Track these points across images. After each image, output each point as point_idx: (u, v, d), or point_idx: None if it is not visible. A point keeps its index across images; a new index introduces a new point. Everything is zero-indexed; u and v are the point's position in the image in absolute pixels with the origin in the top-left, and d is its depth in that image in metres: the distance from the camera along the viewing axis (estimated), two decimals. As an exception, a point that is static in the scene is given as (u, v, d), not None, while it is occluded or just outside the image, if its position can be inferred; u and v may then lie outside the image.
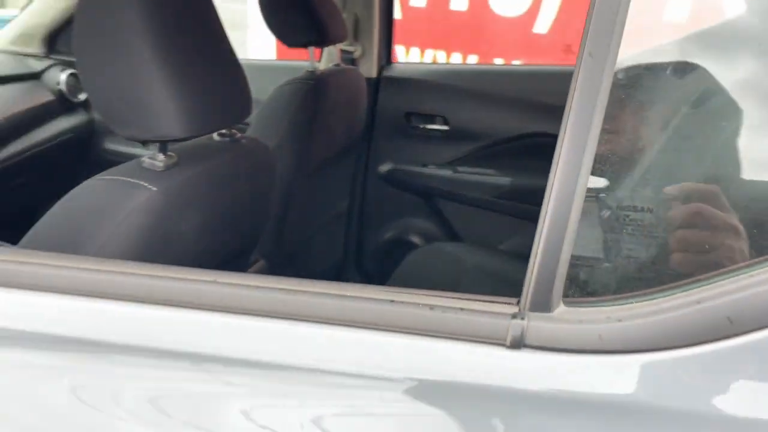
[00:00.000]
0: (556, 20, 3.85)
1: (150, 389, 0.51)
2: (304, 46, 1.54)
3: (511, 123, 1.78)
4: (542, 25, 3.99)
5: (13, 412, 0.53)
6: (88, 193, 0.82)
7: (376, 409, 0.46)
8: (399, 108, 1.89)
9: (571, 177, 0.44)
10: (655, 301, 0.41)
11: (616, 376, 0.40)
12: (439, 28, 4.21)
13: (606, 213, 0.46)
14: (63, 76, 1.91)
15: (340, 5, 1.81)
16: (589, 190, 0.44)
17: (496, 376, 0.43)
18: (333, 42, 1.62)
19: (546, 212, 0.44)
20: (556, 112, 0.49)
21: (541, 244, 0.43)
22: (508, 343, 0.42)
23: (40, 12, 1.99)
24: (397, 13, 3.83)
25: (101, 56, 0.82)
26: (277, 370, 0.48)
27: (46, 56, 1.96)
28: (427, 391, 0.44)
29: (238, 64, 0.94)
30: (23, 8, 2.09)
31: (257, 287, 0.50)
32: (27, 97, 1.87)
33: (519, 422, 0.42)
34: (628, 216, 0.46)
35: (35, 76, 1.92)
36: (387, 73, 1.92)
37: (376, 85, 1.89)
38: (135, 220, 0.79)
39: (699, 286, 0.41)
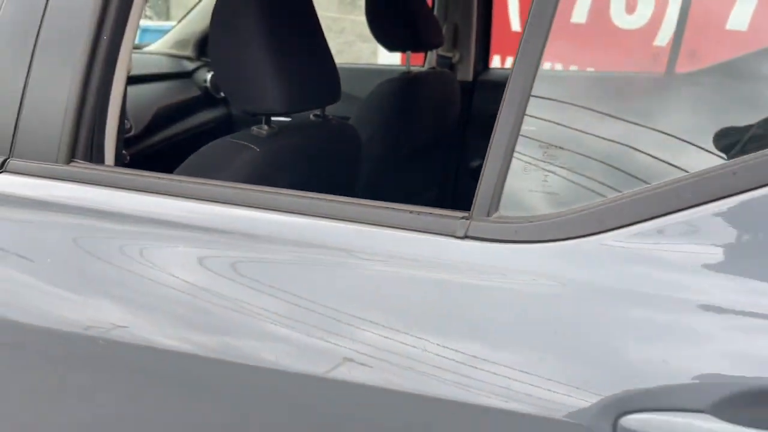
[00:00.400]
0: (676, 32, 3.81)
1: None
2: (402, 50, 1.77)
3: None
4: (663, 37, 3.95)
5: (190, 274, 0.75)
6: (212, 150, 1.11)
7: (371, 272, 0.67)
8: (492, 110, 2.06)
9: (512, 123, 0.64)
10: (555, 212, 0.60)
11: (522, 256, 0.59)
12: (558, 40, 4.26)
13: (532, 151, 0.64)
14: (208, 76, 2.28)
15: (440, 15, 2.03)
16: (523, 131, 0.63)
17: (451, 255, 0.63)
18: (429, 47, 1.83)
19: (489, 150, 0.64)
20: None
21: (486, 172, 0.63)
22: (460, 235, 0.62)
23: (193, 22, 2.38)
24: (517, 26, 3.96)
25: (227, 50, 1.10)
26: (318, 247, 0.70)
27: (197, 58, 2.34)
28: (405, 264, 0.65)
29: (330, 57, 1.19)
30: (180, 20, 2.51)
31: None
32: (180, 92, 2.25)
33: (451, 285, 0.62)
34: (546, 152, 0.64)
35: (187, 75, 2.31)
36: (483, 77, 2.11)
37: (471, 88, 2.08)
38: (241, 171, 1.05)
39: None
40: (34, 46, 0.90)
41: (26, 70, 0.91)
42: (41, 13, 0.90)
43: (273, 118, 1.14)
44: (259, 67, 1.06)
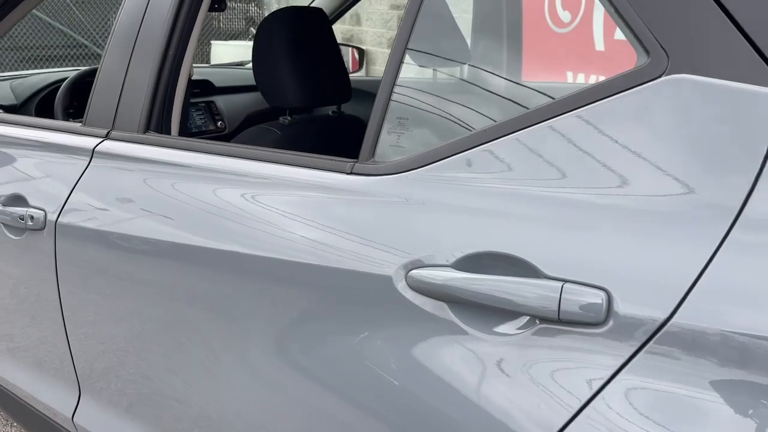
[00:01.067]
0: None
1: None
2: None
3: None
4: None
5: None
6: (249, 132, 1.56)
7: (289, 192, 1.07)
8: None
9: (381, 108, 1.01)
10: (401, 158, 0.96)
11: (381, 183, 0.96)
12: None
13: (392, 122, 1.01)
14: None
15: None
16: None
17: (341, 183, 1.01)
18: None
19: (368, 122, 1.02)
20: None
21: (366, 136, 1.01)
22: (347, 171, 1.00)
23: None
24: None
25: (263, 61, 1.55)
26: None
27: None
28: (312, 188, 1.04)
29: (342, 65, 1.60)
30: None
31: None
32: (258, 102, 2.76)
33: (337, 199, 1.00)
34: (399, 122, 1.01)
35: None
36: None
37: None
38: (266, 147, 1.49)
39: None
40: (132, 50, 1.39)
41: (126, 68, 1.40)
42: (138, 26, 1.38)
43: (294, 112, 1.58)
44: (283, 72, 1.50)
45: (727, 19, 0.73)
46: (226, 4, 1.75)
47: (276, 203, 1.10)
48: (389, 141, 1.02)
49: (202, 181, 1.22)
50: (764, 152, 0.71)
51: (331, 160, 1.05)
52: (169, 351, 1.27)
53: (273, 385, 1.10)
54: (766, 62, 0.72)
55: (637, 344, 0.73)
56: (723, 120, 0.74)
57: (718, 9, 0.74)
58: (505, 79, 1.20)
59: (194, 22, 1.36)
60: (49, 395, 1.60)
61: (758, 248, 0.70)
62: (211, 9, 1.79)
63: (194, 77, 1.87)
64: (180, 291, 1.23)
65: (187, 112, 1.95)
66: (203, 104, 2.33)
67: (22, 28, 6.90)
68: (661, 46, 0.76)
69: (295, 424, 1.11)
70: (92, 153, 1.40)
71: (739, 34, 0.73)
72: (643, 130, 0.79)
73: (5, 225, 1.49)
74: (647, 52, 0.78)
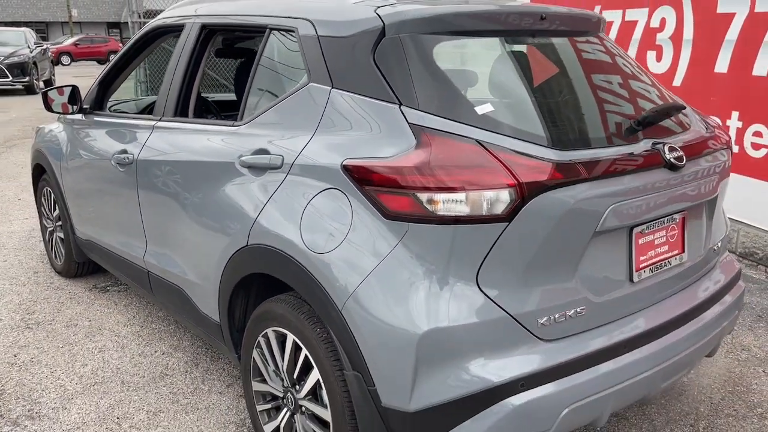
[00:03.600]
0: None
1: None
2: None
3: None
4: None
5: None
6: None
7: (196, 135, 2.53)
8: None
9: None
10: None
11: (238, 132, 2.37)
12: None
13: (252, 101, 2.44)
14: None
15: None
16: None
17: (226, 132, 2.46)
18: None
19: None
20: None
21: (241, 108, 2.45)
22: (230, 125, 2.43)
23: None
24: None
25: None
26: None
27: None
28: (207, 132, 2.49)
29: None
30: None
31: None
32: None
33: (223, 140, 2.43)
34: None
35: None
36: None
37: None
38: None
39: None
40: (173, 74, 2.93)
41: (169, 86, 2.97)
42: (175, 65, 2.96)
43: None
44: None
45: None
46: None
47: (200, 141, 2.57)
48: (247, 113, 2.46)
49: (178, 133, 2.74)
50: (317, 122, 2.06)
51: (219, 121, 2.51)
52: (167, 220, 2.79)
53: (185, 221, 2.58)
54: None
55: (283, 175, 2.12)
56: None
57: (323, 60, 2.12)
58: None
59: (200, 61, 2.85)
60: (128, 247, 3.18)
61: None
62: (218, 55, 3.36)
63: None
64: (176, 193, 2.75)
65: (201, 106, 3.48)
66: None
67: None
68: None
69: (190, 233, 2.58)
70: (152, 128, 2.98)
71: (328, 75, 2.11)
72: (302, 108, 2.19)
73: (118, 163, 3.09)
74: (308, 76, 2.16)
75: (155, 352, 3.24)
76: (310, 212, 1.97)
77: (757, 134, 4.30)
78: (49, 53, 20.06)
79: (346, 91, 2.01)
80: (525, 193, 1.72)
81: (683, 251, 2.18)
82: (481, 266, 1.74)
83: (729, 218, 4.50)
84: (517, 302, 1.77)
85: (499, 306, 1.75)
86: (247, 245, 2.19)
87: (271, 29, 2.39)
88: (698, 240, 2.28)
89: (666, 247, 2.12)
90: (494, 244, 1.73)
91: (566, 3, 6.09)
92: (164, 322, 3.58)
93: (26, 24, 43.02)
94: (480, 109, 1.88)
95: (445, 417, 1.76)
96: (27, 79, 16.62)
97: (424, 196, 1.72)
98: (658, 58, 5.09)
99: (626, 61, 2.48)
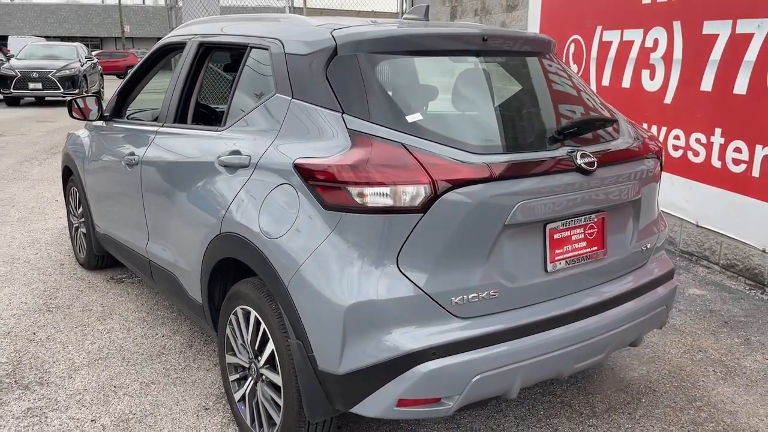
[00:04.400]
0: None
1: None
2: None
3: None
4: None
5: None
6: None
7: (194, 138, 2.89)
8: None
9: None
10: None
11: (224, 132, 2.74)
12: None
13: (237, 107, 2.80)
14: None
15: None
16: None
17: (216, 134, 2.81)
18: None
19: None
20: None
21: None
22: (219, 129, 2.80)
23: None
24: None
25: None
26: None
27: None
28: (197, 136, 2.85)
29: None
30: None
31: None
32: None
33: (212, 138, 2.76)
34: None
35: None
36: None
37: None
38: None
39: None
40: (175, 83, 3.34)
41: (171, 94, 3.34)
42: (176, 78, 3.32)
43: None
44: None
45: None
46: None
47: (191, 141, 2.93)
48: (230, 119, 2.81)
49: (175, 137, 3.10)
50: (279, 127, 2.39)
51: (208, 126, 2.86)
52: (164, 213, 3.16)
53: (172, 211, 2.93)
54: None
55: (250, 172, 2.44)
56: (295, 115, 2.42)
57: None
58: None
59: (198, 73, 3.23)
60: (133, 239, 3.56)
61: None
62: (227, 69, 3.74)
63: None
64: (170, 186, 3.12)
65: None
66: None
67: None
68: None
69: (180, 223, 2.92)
70: (155, 133, 3.37)
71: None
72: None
73: (127, 164, 3.49)
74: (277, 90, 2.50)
75: (156, 334, 3.61)
76: (268, 204, 2.30)
77: (737, 150, 4.47)
78: (99, 67, 21.07)
79: (302, 101, 2.34)
80: (438, 189, 2.02)
81: (603, 247, 2.43)
82: (400, 250, 2.04)
83: (712, 230, 4.69)
84: (432, 282, 2.06)
85: (416, 285, 2.04)
86: (220, 233, 2.54)
87: (252, 47, 2.75)
88: (622, 238, 2.52)
89: (584, 243, 2.37)
90: (411, 232, 2.03)
91: (570, 24, 6.37)
92: (168, 310, 3.96)
93: (82, 39, 45.02)
94: (410, 118, 2.19)
95: (369, 379, 2.05)
96: (77, 91, 17.53)
97: (354, 190, 2.04)
98: (652, 77, 5.30)
99: (568, 80, 2.76)
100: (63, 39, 41.51)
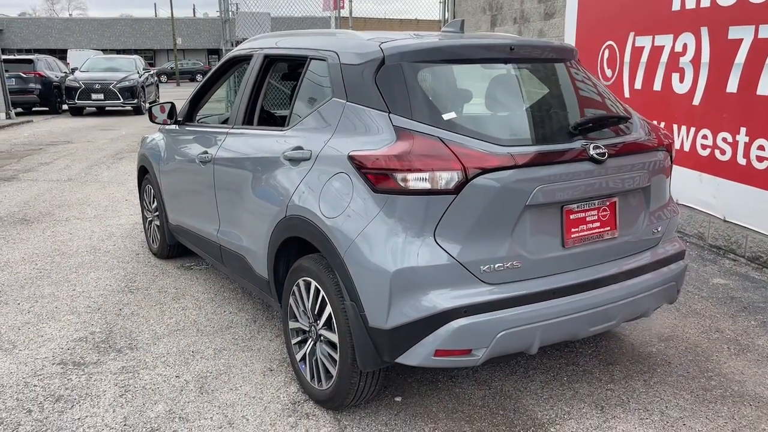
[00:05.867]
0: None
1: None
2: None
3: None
4: None
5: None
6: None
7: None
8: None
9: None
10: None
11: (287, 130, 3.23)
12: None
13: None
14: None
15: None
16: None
17: (279, 132, 3.29)
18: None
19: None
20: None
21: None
22: (282, 128, 3.28)
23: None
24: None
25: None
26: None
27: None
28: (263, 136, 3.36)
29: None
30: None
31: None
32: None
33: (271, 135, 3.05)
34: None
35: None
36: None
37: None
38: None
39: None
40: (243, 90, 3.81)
41: (240, 100, 3.84)
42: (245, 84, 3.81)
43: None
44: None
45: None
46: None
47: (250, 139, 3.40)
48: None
49: (237, 137, 3.58)
50: (335, 126, 2.81)
51: (273, 127, 3.33)
52: (234, 202, 3.64)
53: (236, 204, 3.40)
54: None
55: (311, 164, 2.91)
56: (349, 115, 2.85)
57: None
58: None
59: (264, 82, 3.71)
60: (206, 227, 4.06)
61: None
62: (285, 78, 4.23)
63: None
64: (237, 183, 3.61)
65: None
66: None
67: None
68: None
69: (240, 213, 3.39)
70: (227, 134, 3.87)
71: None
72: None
73: (201, 162, 3.99)
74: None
75: (224, 311, 4.10)
76: (326, 190, 2.75)
77: (761, 148, 4.73)
78: (155, 78, 22.14)
79: (356, 103, 2.79)
80: (468, 174, 2.43)
81: (615, 228, 2.80)
82: (437, 226, 2.46)
83: (738, 225, 4.94)
84: (464, 253, 2.47)
85: (450, 255, 2.45)
86: (286, 216, 3.00)
87: (311, 59, 3.21)
88: (633, 221, 2.88)
89: (598, 224, 2.75)
90: (446, 210, 2.44)
91: (604, 30, 6.68)
92: (234, 292, 4.45)
93: (136, 51, 46.85)
94: (446, 116, 2.61)
95: (412, 333, 2.47)
96: (135, 101, 18.54)
97: (399, 176, 2.46)
98: (681, 80, 5.59)
99: (588, 83, 3.13)
100: (118, 52, 43.34)
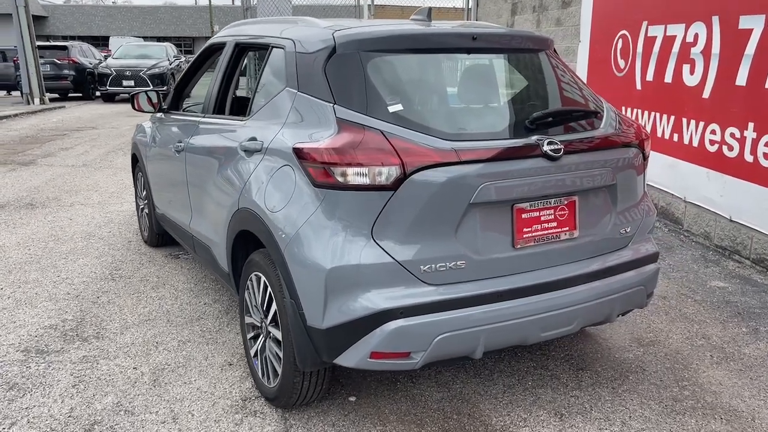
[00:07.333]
0: None
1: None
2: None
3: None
4: None
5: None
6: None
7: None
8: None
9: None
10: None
11: (248, 121, 3.13)
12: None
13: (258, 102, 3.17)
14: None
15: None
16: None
17: (240, 123, 3.22)
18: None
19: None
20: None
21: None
22: (243, 119, 3.20)
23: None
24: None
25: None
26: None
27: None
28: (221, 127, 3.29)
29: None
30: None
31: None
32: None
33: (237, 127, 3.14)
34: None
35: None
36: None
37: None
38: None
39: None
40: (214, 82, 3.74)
41: (211, 89, 3.78)
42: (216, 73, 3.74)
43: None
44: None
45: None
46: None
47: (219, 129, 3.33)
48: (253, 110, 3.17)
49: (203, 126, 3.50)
50: (286, 116, 2.69)
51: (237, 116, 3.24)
52: (202, 192, 3.58)
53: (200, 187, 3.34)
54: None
55: (262, 156, 2.80)
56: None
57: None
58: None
59: (235, 70, 3.65)
60: (182, 217, 4.03)
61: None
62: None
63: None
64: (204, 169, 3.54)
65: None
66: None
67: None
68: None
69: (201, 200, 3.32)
70: (198, 123, 3.81)
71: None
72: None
73: (176, 150, 3.96)
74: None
75: (199, 302, 4.07)
76: (272, 183, 2.66)
77: (768, 144, 4.47)
78: (186, 65, 22.36)
79: (306, 93, 2.69)
80: (407, 169, 2.31)
81: (575, 228, 2.65)
82: (375, 223, 2.35)
83: (744, 225, 4.69)
84: (403, 252, 2.36)
85: (387, 253, 2.35)
86: (238, 208, 2.93)
87: (272, 47, 3.12)
88: (596, 221, 2.72)
89: (555, 224, 2.60)
90: (384, 207, 2.34)
91: (619, 19, 6.41)
92: (214, 282, 4.42)
93: (175, 39, 47.47)
94: (392, 108, 2.49)
95: (348, 334, 2.38)
96: (165, 88, 18.75)
97: (337, 170, 2.36)
98: (692, 72, 5.33)
99: (560, 76, 2.97)
100: (158, 39, 43.94)
